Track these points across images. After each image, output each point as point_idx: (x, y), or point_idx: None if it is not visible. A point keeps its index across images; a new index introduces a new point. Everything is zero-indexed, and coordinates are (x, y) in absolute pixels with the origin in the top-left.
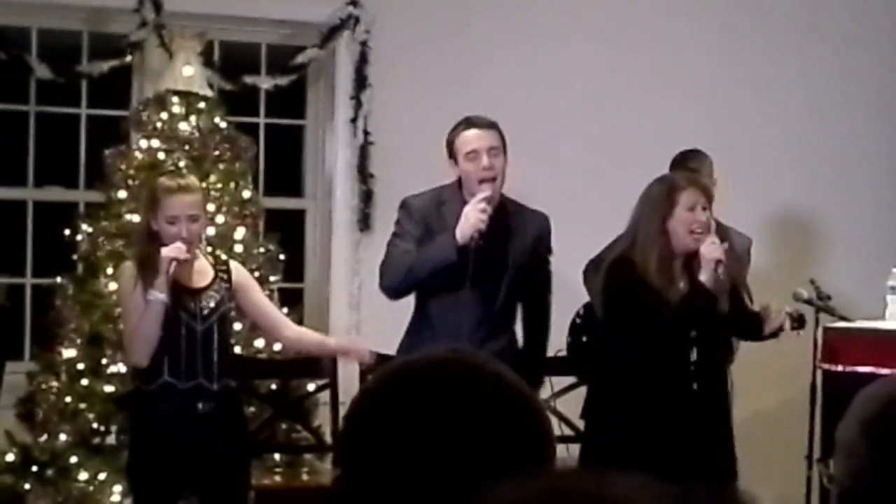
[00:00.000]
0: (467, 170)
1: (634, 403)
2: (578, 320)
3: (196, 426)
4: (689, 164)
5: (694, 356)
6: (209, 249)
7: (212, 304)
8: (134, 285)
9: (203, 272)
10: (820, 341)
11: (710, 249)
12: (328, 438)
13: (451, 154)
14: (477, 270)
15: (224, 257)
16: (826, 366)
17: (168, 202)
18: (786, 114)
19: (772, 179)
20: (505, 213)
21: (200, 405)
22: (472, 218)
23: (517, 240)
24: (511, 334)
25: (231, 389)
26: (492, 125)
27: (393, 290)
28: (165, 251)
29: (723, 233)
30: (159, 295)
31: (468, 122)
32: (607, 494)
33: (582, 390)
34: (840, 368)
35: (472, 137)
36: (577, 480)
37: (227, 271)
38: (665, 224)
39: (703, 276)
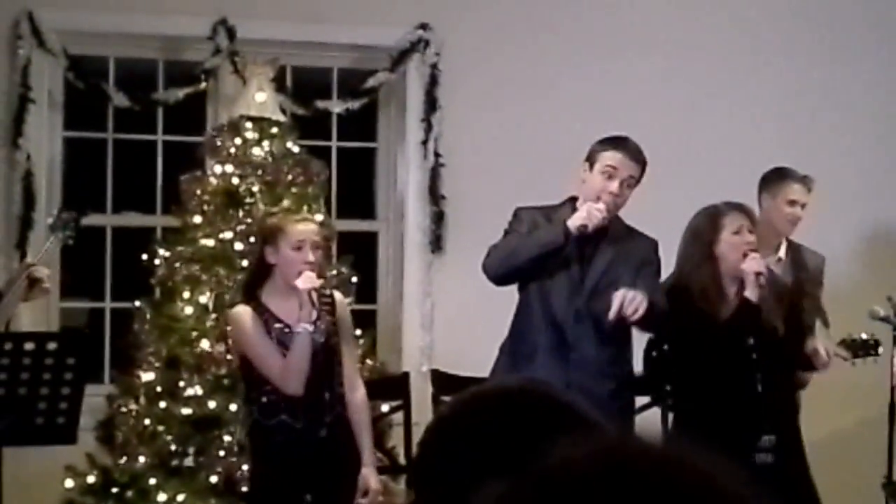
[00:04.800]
0: (595, 182)
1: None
2: (655, 353)
3: (311, 450)
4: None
5: (759, 387)
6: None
7: (321, 340)
8: (257, 325)
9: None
10: None
11: (750, 263)
12: (402, 459)
13: (590, 159)
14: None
15: (328, 290)
16: None
17: (294, 229)
18: (863, 129)
19: (849, 195)
20: (615, 236)
21: (314, 436)
22: (587, 211)
23: (622, 261)
24: (620, 348)
25: (341, 416)
26: (641, 160)
27: (493, 269)
28: (302, 282)
29: (795, 251)
30: (308, 327)
31: (624, 144)
32: (669, 451)
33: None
34: None
35: (618, 158)
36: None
37: (332, 303)
38: (712, 249)
39: (748, 291)
